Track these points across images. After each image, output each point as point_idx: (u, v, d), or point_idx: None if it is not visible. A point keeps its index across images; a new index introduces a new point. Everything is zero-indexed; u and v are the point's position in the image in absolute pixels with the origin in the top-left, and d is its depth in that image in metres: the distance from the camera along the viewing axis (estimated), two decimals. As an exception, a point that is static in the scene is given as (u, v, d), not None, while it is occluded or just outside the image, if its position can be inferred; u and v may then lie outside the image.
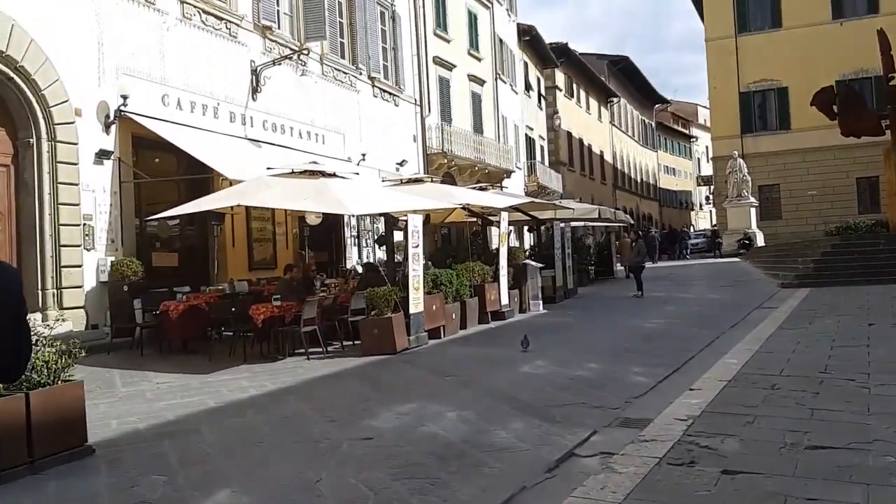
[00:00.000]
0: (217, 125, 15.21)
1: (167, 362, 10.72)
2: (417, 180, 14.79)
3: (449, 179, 25.29)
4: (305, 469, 5.27)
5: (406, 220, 16.91)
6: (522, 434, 6.03)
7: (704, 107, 65.60)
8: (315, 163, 11.74)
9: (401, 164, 22.49)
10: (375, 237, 19.19)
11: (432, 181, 15.21)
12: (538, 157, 38.76)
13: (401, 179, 14.94)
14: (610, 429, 6.20)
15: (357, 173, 16.41)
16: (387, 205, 10.96)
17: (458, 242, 23.85)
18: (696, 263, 34.80)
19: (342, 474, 5.11)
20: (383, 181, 14.84)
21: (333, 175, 11.61)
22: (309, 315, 10.53)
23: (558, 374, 8.66)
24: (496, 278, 14.36)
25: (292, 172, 11.35)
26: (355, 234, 20.34)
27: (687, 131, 76.31)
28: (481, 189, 17.97)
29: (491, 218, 15.05)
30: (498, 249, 14.42)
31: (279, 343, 10.91)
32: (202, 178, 13.73)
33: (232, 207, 11.74)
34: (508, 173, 30.86)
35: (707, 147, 58.93)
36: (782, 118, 39.07)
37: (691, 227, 61.26)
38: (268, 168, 11.31)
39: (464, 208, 14.00)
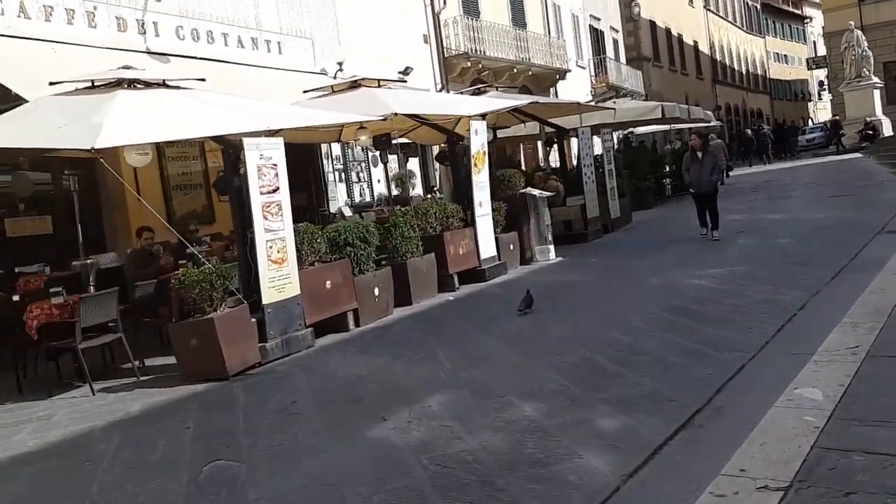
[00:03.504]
0: (95, 36, 11.15)
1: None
2: (354, 85, 10.20)
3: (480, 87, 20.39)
4: None
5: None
6: None
7: (819, -20, 56.38)
8: (128, 67, 7.45)
9: (404, 72, 17.77)
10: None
11: (380, 86, 10.50)
12: (609, 53, 32.76)
13: (331, 87, 10.43)
14: None
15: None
16: (212, 126, 6.56)
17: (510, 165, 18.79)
18: (807, 164, 28.54)
19: None
20: (304, 92, 10.40)
21: (162, 84, 7.35)
22: (96, 319, 6.44)
23: (446, 444, 4.24)
24: (470, 221, 9.79)
25: (92, 86, 7.18)
26: (340, 166, 16.07)
27: (799, 11, 66.91)
28: (477, 92, 13.13)
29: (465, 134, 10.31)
30: (469, 177, 9.73)
31: (79, 362, 6.92)
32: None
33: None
34: (562, 74, 25.45)
35: (823, 28, 50.55)
36: (914, -27, 31.64)
37: (809, 120, 53.34)
38: (51, 83, 7.14)
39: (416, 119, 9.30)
